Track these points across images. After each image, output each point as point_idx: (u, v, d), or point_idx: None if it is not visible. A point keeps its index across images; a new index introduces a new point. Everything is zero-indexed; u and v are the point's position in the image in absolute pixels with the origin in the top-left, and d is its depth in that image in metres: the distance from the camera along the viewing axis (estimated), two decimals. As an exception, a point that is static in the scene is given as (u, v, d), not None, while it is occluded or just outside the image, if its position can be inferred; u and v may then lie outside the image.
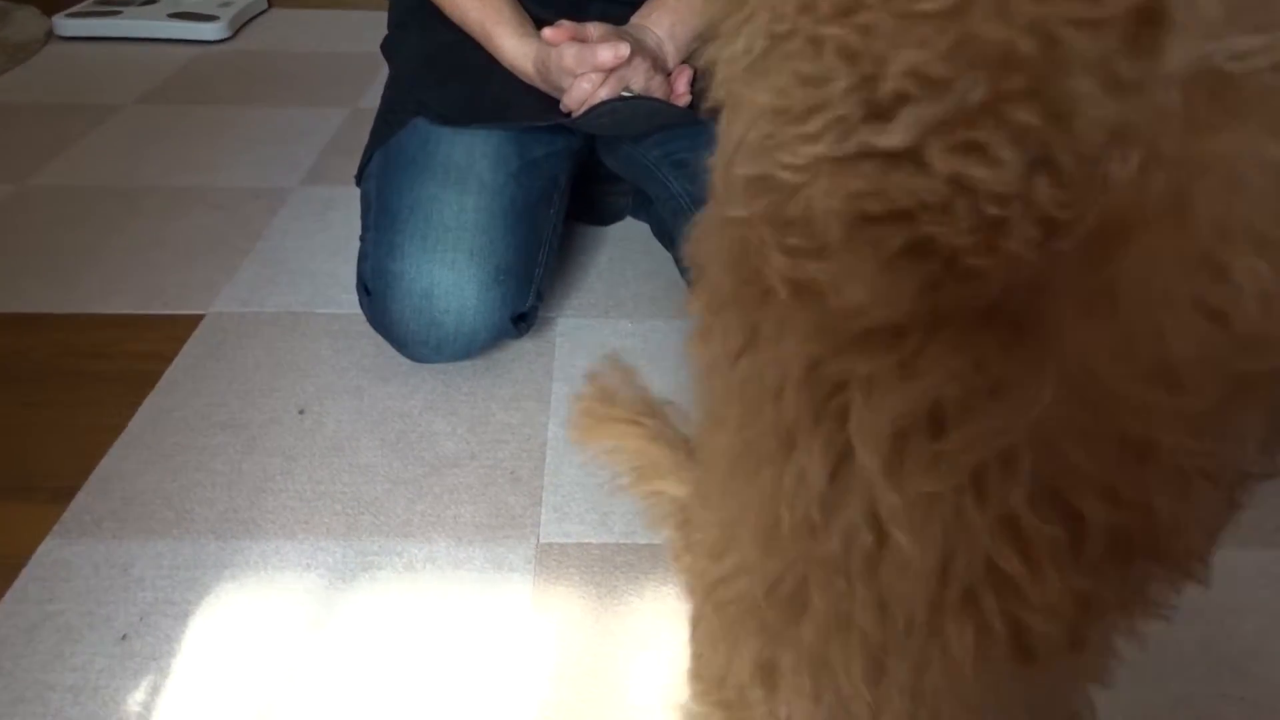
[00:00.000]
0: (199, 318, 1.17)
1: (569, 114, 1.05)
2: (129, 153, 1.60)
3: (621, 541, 0.88)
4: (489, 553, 0.86)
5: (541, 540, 0.88)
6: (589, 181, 1.35)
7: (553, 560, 0.86)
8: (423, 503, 0.91)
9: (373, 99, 1.17)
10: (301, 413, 1.02)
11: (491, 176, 1.04)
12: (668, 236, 1.25)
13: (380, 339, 1.08)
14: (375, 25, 1.28)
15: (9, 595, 0.80)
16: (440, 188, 1.02)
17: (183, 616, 0.79)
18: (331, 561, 0.85)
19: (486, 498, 0.92)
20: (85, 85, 1.87)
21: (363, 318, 1.09)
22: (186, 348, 1.11)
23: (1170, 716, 0.73)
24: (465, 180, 1.03)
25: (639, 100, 1.03)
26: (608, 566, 0.85)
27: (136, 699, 0.72)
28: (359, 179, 1.13)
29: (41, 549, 0.84)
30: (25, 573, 0.82)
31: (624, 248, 1.36)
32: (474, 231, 1.01)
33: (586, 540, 0.88)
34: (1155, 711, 0.73)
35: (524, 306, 1.06)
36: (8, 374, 1.06)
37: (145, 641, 0.77)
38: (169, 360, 1.09)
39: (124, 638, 0.77)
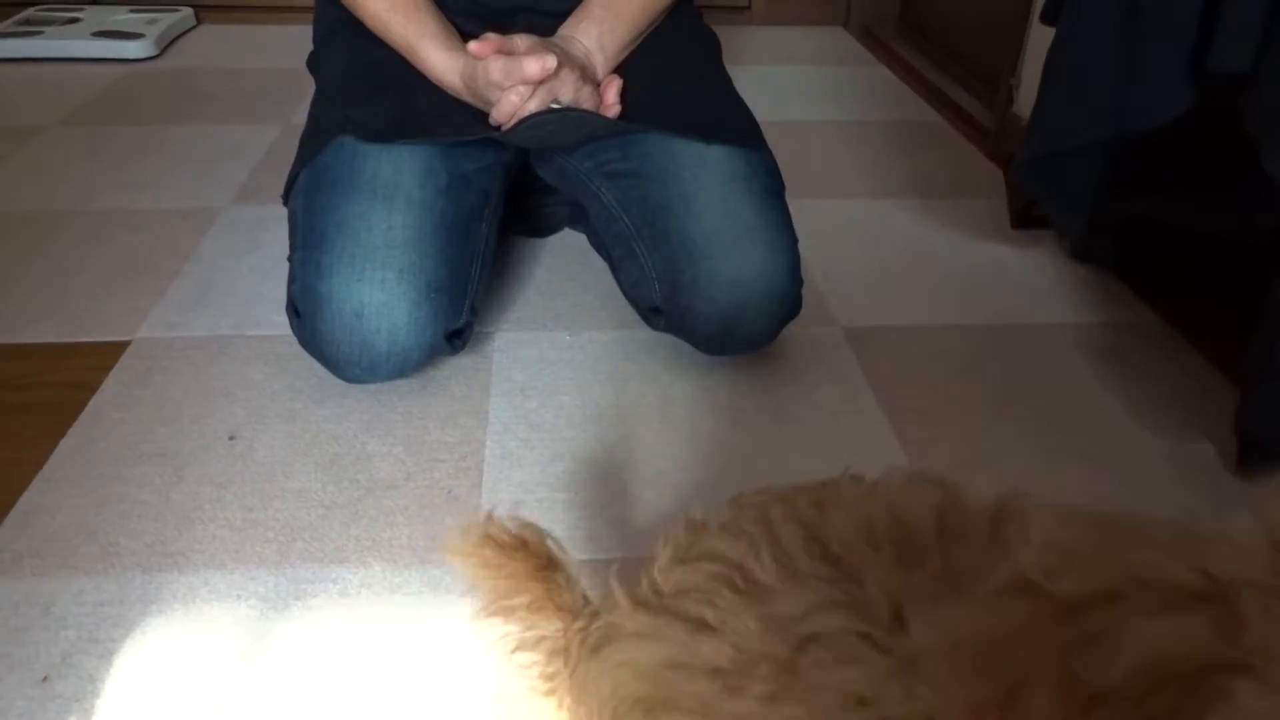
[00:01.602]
0: (125, 344, 1.14)
1: (498, 128, 1.04)
2: (51, 176, 1.55)
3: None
4: (426, 575, 0.85)
5: (480, 560, 0.86)
6: (525, 194, 1.34)
7: (491, 580, 0.84)
8: (358, 526, 0.90)
9: (305, 115, 1.15)
10: (232, 439, 1.00)
11: (420, 193, 1.02)
12: (604, 248, 1.24)
13: (313, 360, 1.06)
14: (307, 40, 1.26)
15: (-78, 641, 0.77)
16: (368, 205, 1.01)
17: (107, 655, 0.77)
18: (263, 591, 0.83)
19: (423, 519, 0.91)
20: (5, 108, 1.82)
21: (294, 339, 1.06)
22: (111, 376, 1.08)
23: None
24: (393, 197, 1.01)
25: (568, 112, 1.03)
26: (547, 584, 0.84)
27: (58, 744, 0.70)
28: (286, 198, 1.10)
29: (-43, 591, 0.81)
30: (-60, 616, 0.79)
31: (562, 259, 1.35)
32: (403, 249, 0.99)
33: (525, 558, 0.87)
34: None
35: (458, 323, 1.04)
36: (-78, 409, 1.03)
37: (68, 683, 0.74)
38: (94, 390, 1.06)
39: (45, 679, 0.74)
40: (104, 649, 0.77)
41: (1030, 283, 1.32)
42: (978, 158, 1.73)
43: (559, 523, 0.91)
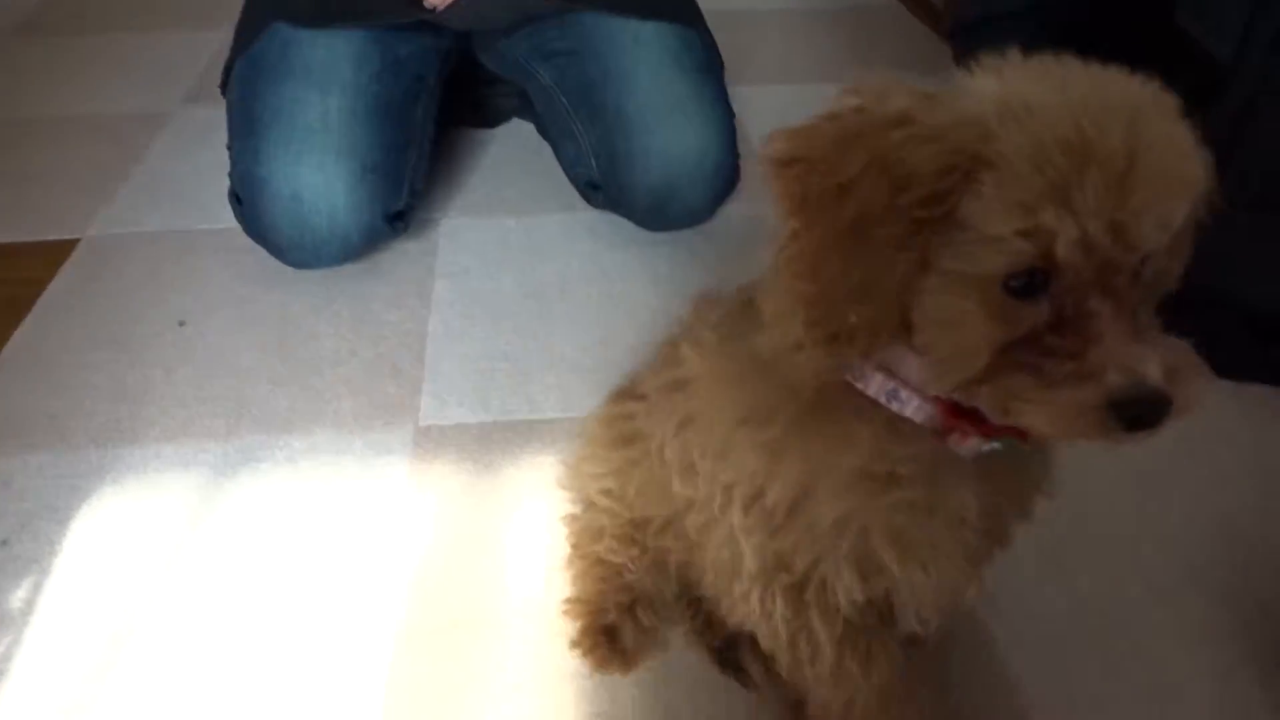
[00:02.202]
0: (74, 242, 1.15)
1: (433, 9, 1.05)
2: (3, 85, 1.55)
3: (498, 419, 0.91)
4: (369, 439, 0.89)
5: (421, 424, 0.90)
6: (472, 85, 1.34)
7: (431, 441, 0.88)
8: (304, 399, 0.93)
9: (246, 12, 1.15)
10: (182, 325, 1.03)
11: (354, 77, 1.03)
12: (546, 130, 1.25)
13: (260, 252, 1.08)
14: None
15: (-113, 514, 0.81)
16: (303, 90, 1.02)
17: (64, 521, 0.81)
18: (213, 460, 0.87)
19: (367, 390, 0.94)
20: (-49, 21, 1.80)
21: (244, 233, 1.08)
22: (63, 271, 1.11)
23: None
24: (327, 82, 1.02)
25: (499, -11, 1.03)
26: (485, 443, 0.88)
27: (18, 597, 0.74)
28: (224, 88, 1.11)
29: (-82, 469, 0.85)
30: (-98, 492, 0.83)
31: (510, 147, 1.36)
32: (338, 132, 1.00)
33: (464, 421, 0.90)
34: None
35: (398, 205, 1.06)
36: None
37: (26, 546, 0.78)
38: (44, 285, 1.08)
39: (4, 543, 0.78)
40: (61, 515, 0.81)
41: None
42: (932, 39, 1.72)
43: (498, 387, 0.94)
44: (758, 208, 1.20)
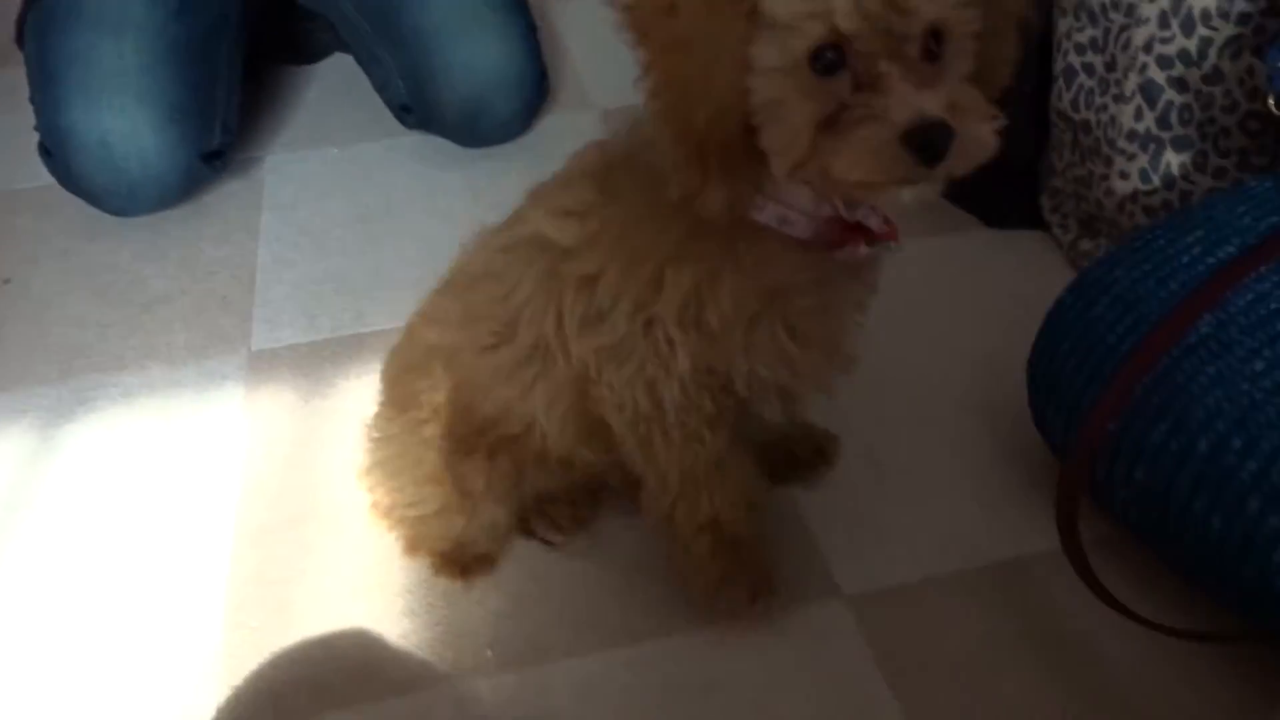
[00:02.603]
0: (-116, 212, 1.14)
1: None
2: None
3: (329, 337, 0.95)
4: (203, 368, 0.92)
5: (253, 349, 0.94)
6: (288, 21, 1.35)
7: (264, 364, 0.92)
8: (135, 338, 0.96)
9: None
10: (6, 282, 1.03)
11: (148, 17, 1.04)
12: (357, 59, 1.27)
13: (82, 205, 1.08)
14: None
15: None
16: (97, 35, 1.02)
17: (-102, 474, 0.83)
18: (47, 404, 0.89)
19: (199, 324, 0.97)
20: None
21: (63, 189, 1.08)
22: (-125, 242, 1.09)
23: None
24: (121, 25, 1.03)
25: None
26: (316, 360, 0.92)
27: None
28: (19, 41, 1.10)
29: None
30: None
31: (330, 80, 1.37)
32: (137, 75, 1.01)
33: (296, 341, 0.95)
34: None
35: (212, 144, 1.08)
36: None
37: None
38: None
39: None
40: (-107, 470, 0.83)
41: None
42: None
43: (328, 306, 0.98)
44: (573, 118, 1.25)
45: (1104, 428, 0.61)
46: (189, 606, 0.72)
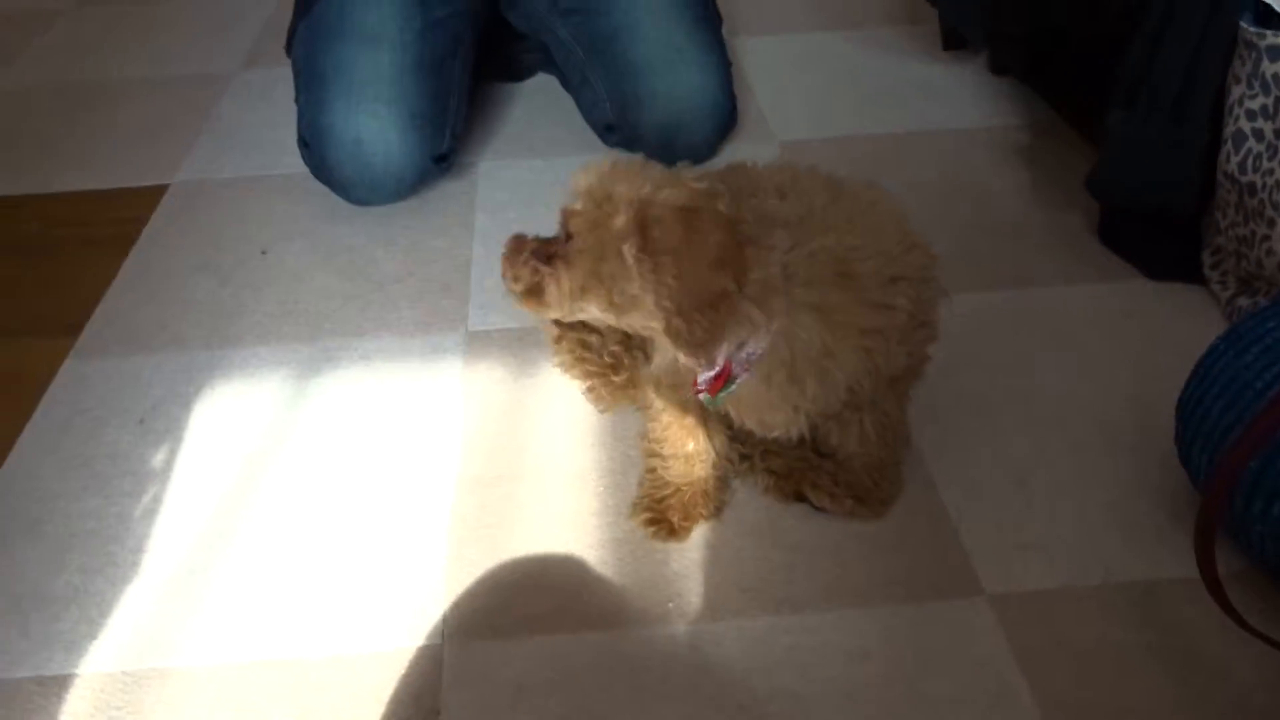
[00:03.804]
0: (164, 187, 1.34)
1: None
2: (74, 52, 1.73)
3: (535, 326, 1.08)
4: (428, 340, 1.07)
5: (470, 329, 1.08)
6: (501, 42, 1.51)
7: (479, 343, 1.06)
8: (371, 310, 1.11)
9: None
10: (264, 253, 1.21)
11: (400, 36, 1.20)
12: (567, 81, 1.42)
13: (326, 192, 1.26)
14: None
15: (44, 400, 1.00)
16: (357, 49, 1.19)
17: (186, 404, 1.00)
18: (300, 359, 1.05)
19: (423, 303, 1.12)
20: (26, -5, 1.97)
21: (311, 177, 1.26)
22: (157, 211, 1.29)
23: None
24: (379, 40, 1.19)
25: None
26: (525, 344, 1.06)
27: (158, 460, 0.93)
28: (288, 49, 1.28)
29: (64, 367, 1.04)
30: (54, 384, 1.02)
31: (537, 99, 1.52)
32: (389, 84, 1.18)
33: (507, 327, 1.08)
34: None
35: (442, 148, 1.24)
36: (5, 245, 1.24)
37: (159, 423, 0.97)
38: (144, 223, 1.27)
39: (141, 421, 0.97)
40: (183, 400, 1.00)
41: (953, 96, 1.48)
42: (922, -12, 1.85)
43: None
44: (756, 147, 1.36)
45: (1244, 463, 0.68)
46: (418, 537, 0.85)
